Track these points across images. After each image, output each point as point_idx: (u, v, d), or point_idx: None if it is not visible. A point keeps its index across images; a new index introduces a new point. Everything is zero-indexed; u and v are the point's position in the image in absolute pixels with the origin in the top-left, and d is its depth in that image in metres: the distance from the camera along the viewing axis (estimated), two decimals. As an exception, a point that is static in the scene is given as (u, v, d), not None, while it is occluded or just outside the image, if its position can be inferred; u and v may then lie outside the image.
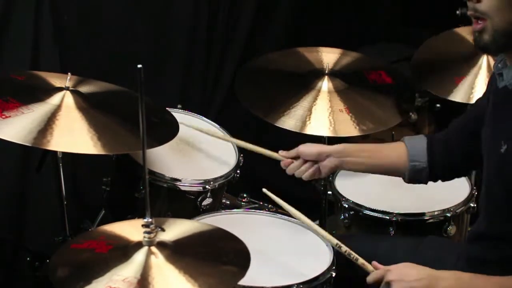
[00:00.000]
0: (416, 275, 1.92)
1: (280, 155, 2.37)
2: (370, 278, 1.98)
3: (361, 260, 2.00)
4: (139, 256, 1.68)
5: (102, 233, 1.83)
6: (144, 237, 1.69)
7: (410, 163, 2.24)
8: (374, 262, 1.99)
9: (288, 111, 2.63)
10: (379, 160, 2.30)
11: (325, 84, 2.71)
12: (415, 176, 2.26)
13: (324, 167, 2.30)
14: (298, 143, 2.65)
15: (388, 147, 2.35)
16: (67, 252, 1.78)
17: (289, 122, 2.60)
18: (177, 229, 1.80)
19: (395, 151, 2.27)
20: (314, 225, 2.14)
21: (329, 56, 2.88)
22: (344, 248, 2.03)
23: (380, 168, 2.33)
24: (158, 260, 1.67)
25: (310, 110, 2.62)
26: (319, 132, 2.60)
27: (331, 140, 2.72)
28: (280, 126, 2.60)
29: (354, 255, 2.01)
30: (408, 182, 2.29)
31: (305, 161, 2.32)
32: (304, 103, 2.66)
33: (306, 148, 2.32)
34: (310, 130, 2.57)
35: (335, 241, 2.06)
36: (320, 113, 2.64)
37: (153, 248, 1.69)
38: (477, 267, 1.98)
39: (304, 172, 2.32)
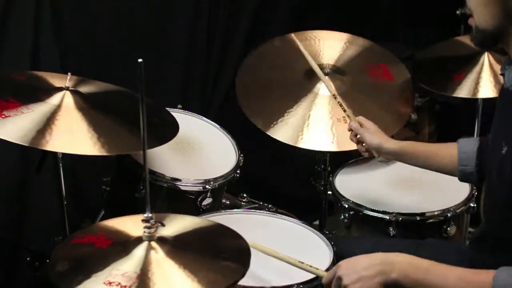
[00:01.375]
0: (367, 263, 1.85)
1: (350, 124, 2.39)
2: (324, 280, 1.94)
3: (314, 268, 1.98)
4: (139, 251, 1.67)
5: (102, 228, 1.83)
6: (144, 232, 1.69)
7: (460, 166, 2.22)
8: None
9: (283, 119, 2.63)
10: (433, 163, 2.29)
11: (324, 87, 2.67)
12: (464, 178, 2.25)
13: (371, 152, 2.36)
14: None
15: (444, 149, 2.30)
16: (67, 247, 1.78)
17: (285, 132, 2.59)
18: (177, 224, 1.80)
19: (449, 154, 2.25)
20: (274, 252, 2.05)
21: (330, 50, 2.86)
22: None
23: (433, 169, 2.33)
24: (158, 255, 1.66)
25: (308, 119, 2.61)
26: (319, 148, 2.61)
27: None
28: (275, 138, 2.60)
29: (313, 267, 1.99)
30: (461, 181, 2.28)
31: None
32: (300, 110, 2.65)
33: (369, 137, 2.33)
34: (306, 144, 2.58)
35: (296, 260, 2.02)
36: (319, 122, 2.64)
37: (153, 243, 1.69)
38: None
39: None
